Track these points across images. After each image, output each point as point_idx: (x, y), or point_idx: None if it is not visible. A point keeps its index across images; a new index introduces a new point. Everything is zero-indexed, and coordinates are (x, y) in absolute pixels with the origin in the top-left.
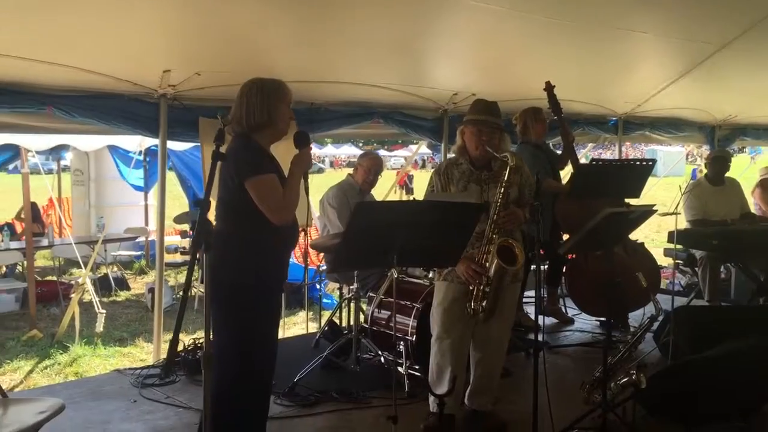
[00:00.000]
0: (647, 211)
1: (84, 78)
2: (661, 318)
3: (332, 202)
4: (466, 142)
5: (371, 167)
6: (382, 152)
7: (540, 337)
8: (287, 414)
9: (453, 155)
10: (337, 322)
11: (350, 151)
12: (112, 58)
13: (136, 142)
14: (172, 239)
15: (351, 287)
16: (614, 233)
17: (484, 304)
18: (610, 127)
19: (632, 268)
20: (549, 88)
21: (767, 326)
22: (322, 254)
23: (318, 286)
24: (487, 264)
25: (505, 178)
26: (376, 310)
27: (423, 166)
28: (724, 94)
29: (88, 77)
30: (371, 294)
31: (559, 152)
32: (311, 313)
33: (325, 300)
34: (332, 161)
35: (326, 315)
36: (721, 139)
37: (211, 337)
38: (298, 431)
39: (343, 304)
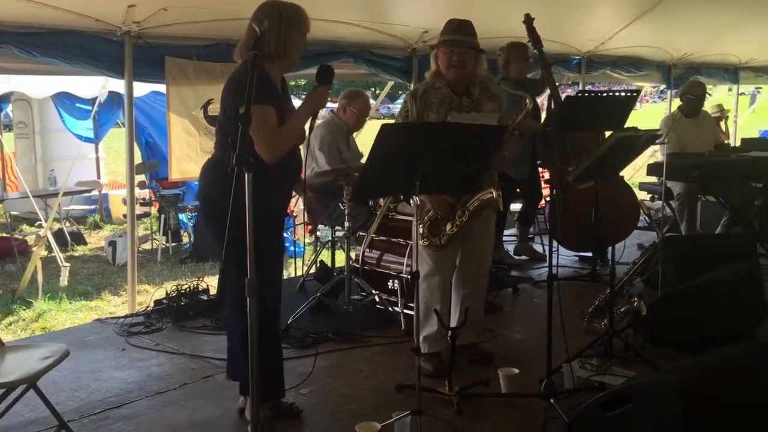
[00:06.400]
0: (654, 135)
1: (43, 13)
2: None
3: (321, 144)
4: (440, 65)
5: (365, 110)
6: None
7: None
8: (285, 356)
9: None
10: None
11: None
12: None
13: (91, 89)
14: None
15: (337, 228)
16: (623, 158)
17: (447, 229)
18: (573, 66)
19: (613, 202)
20: (528, 20)
21: (746, 254)
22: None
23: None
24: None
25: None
26: (367, 249)
27: None
28: (682, 32)
29: (48, 13)
30: (361, 233)
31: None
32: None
33: (290, 247)
34: None
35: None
36: (677, 77)
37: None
38: (299, 372)
39: (326, 246)
